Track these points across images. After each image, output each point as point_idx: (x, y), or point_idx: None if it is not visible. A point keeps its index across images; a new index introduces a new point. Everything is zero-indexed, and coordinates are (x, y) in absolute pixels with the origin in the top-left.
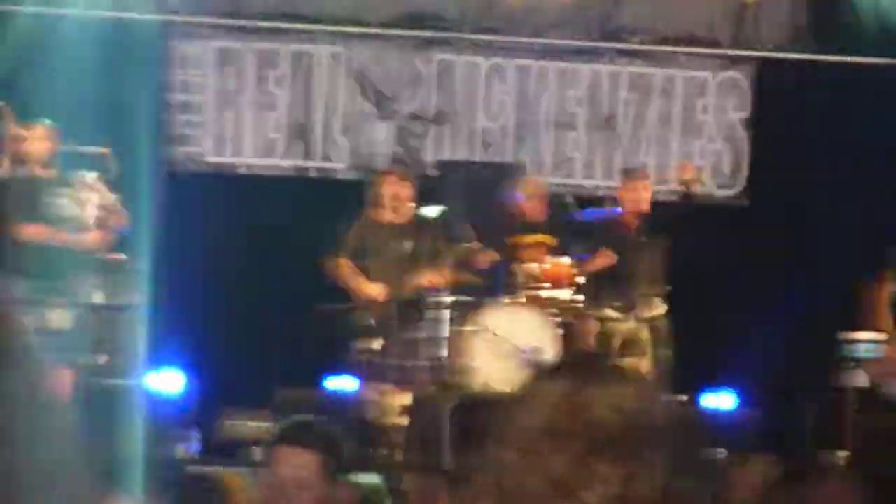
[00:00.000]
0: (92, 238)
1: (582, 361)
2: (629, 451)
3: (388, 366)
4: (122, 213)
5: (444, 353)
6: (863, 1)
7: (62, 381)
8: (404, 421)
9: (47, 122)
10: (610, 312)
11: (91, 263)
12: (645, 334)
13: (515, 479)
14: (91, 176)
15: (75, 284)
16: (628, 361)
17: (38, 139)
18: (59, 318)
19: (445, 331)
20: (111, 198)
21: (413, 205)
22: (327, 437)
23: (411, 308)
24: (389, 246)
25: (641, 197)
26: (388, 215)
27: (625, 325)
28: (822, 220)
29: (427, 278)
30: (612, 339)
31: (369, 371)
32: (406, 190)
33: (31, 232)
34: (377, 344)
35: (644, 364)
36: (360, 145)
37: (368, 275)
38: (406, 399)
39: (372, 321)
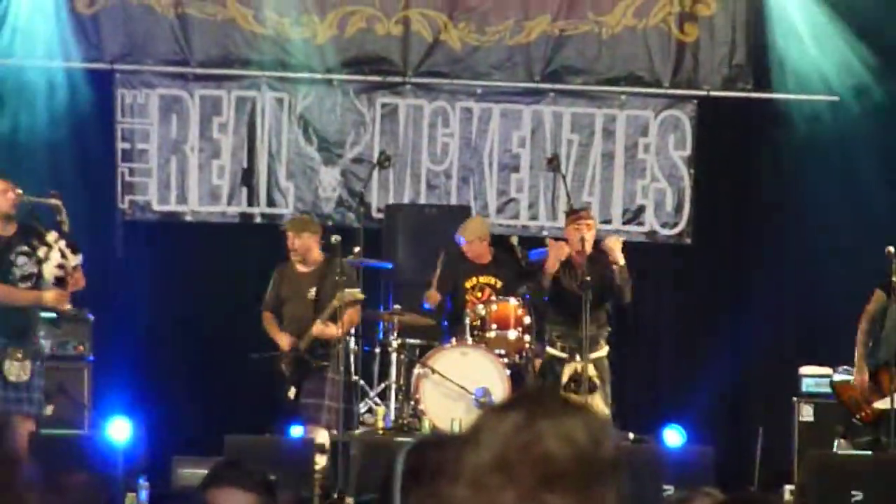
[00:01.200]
0: (50, 297)
1: (532, 395)
2: (581, 483)
3: (301, 408)
4: (81, 275)
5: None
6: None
7: (22, 433)
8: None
9: (3, 175)
10: (556, 352)
11: (47, 319)
12: (593, 372)
13: None
14: (53, 235)
15: (33, 339)
16: (576, 399)
17: None
18: (19, 370)
19: (347, 375)
20: (73, 258)
21: (319, 252)
22: (261, 478)
23: (313, 355)
24: (298, 294)
25: (586, 236)
26: (298, 266)
27: (572, 365)
28: (767, 254)
29: (315, 329)
30: (559, 378)
31: (290, 414)
32: (304, 240)
33: None
34: (291, 391)
35: (595, 401)
36: (305, 190)
37: (283, 322)
38: (319, 438)
39: (284, 368)
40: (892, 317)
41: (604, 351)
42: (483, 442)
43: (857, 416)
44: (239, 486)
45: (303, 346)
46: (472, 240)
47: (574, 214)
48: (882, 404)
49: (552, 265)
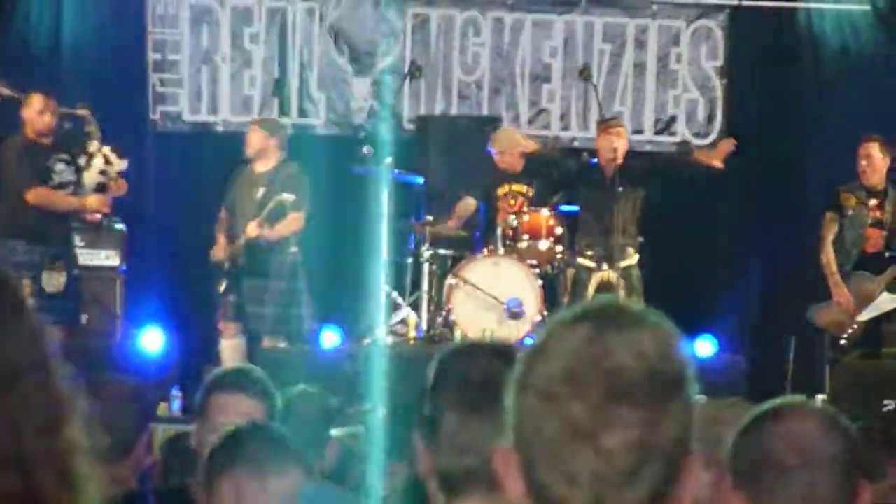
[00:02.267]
0: (92, 201)
1: (601, 308)
2: (650, 396)
3: (226, 305)
4: (123, 182)
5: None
6: None
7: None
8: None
9: (41, 93)
10: (585, 261)
11: (81, 228)
12: (619, 282)
13: (534, 424)
14: (94, 143)
15: (70, 249)
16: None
17: (35, 110)
18: (56, 281)
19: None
20: (118, 163)
21: (280, 154)
22: (264, 384)
23: (252, 256)
24: (246, 194)
25: (617, 146)
26: (257, 165)
27: (600, 274)
28: (800, 166)
29: (249, 229)
30: (586, 287)
31: (220, 312)
32: (257, 136)
33: (34, 195)
34: (222, 286)
35: None
36: (337, 101)
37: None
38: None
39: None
40: (848, 232)
41: (632, 260)
42: (552, 353)
43: (845, 336)
44: (244, 391)
45: (238, 244)
46: (503, 151)
47: (605, 124)
48: (868, 313)
49: None
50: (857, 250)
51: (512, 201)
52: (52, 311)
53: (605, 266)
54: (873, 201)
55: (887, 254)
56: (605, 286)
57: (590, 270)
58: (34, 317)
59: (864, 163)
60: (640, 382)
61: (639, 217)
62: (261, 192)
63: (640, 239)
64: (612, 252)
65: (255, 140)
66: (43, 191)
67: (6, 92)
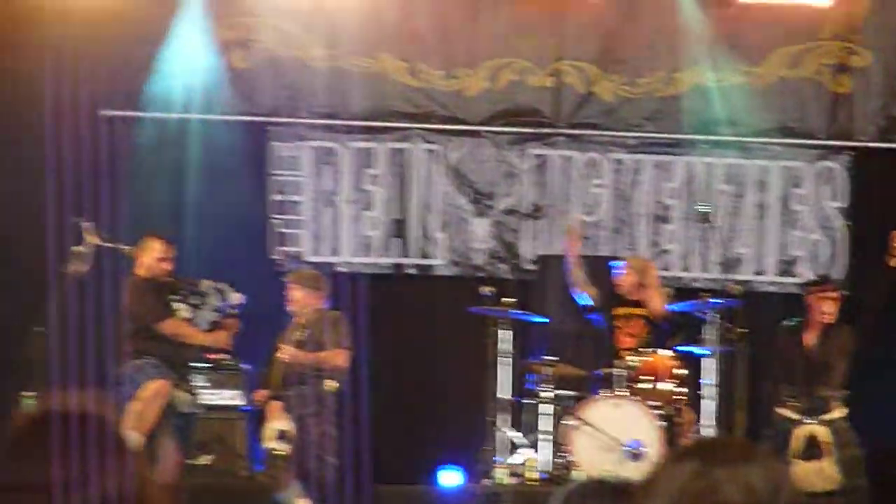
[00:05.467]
0: (218, 338)
1: (710, 443)
2: None
3: None
4: (236, 321)
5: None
6: None
7: (173, 458)
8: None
9: (160, 238)
10: (787, 412)
11: (205, 362)
12: (826, 436)
13: None
14: (206, 282)
15: (195, 377)
16: (811, 464)
17: (154, 257)
18: (188, 402)
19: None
20: (235, 297)
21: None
22: None
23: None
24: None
25: (828, 308)
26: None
27: (804, 427)
28: None
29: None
30: (791, 440)
31: None
32: (304, 297)
33: (169, 325)
34: None
35: (827, 466)
36: (457, 241)
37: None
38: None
39: None
40: None
41: (837, 413)
42: (660, 489)
43: None
44: None
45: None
46: (629, 270)
47: (818, 287)
48: None
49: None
50: None
51: (631, 322)
52: (178, 430)
53: (811, 418)
54: None
55: None
56: (809, 439)
57: (793, 422)
58: (135, 457)
59: None
60: None
61: (844, 369)
62: (302, 333)
63: (846, 391)
64: (816, 404)
65: (298, 296)
66: (175, 322)
67: (108, 245)
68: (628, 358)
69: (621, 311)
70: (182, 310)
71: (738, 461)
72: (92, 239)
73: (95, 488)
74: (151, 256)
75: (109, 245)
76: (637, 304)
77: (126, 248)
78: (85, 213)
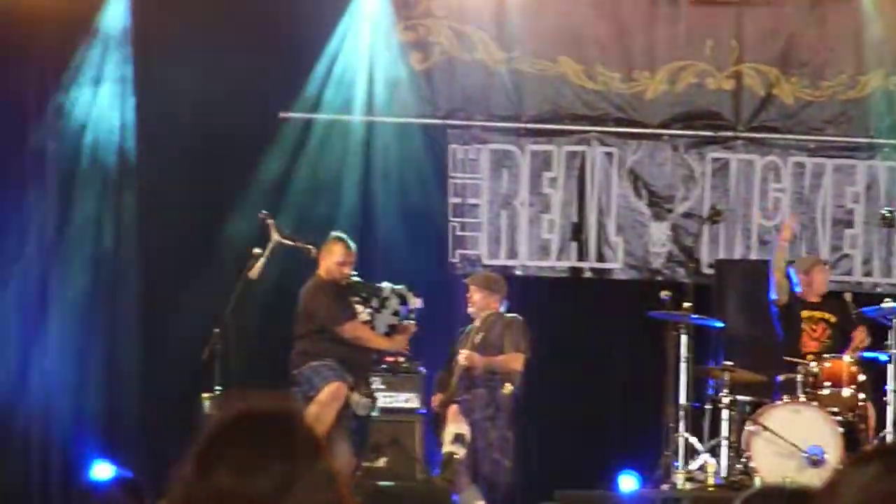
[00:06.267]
0: (398, 342)
1: (892, 447)
2: None
3: None
4: (414, 325)
5: None
6: None
7: (348, 460)
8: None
9: (346, 240)
10: None
11: (383, 365)
12: None
13: None
14: (387, 286)
15: (373, 379)
16: None
17: (336, 261)
18: (367, 406)
19: None
20: (414, 301)
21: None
22: None
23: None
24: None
25: None
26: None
27: None
28: None
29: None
30: None
31: None
32: (483, 299)
33: (350, 328)
34: None
35: None
36: (635, 245)
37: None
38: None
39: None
40: None
41: None
42: (842, 493)
43: None
44: None
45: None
46: (809, 269)
47: None
48: None
49: None
50: None
51: (814, 326)
52: (354, 432)
53: None
54: None
55: None
56: None
57: None
58: (330, 459)
59: None
60: None
61: None
62: (479, 337)
63: None
64: None
65: (477, 298)
66: (356, 325)
67: (290, 244)
68: (810, 363)
69: (806, 313)
70: (362, 313)
71: None
72: (276, 236)
73: (300, 497)
74: (333, 259)
75: (292, 244)
76: (821, 306)
77: (310, 248)
78: (269, 212)
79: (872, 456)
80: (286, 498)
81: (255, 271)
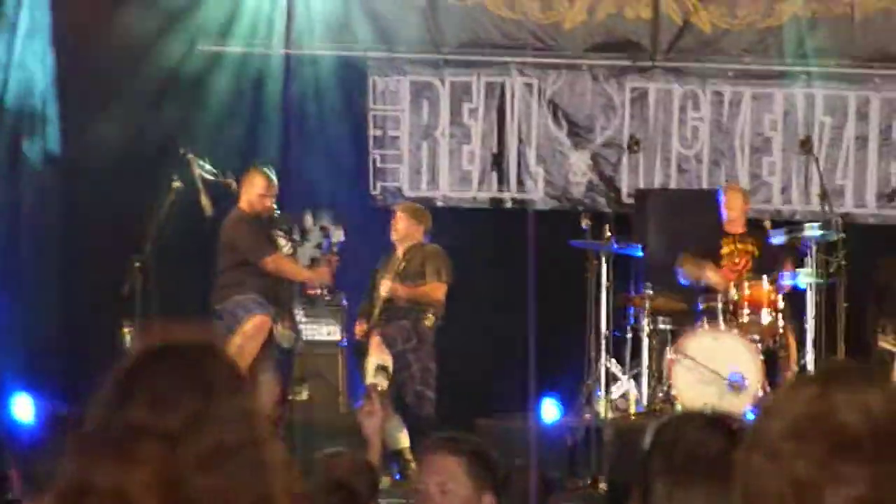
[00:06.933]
0: (321, 274)
1: (831, 369)
2: (876, 455)
3: None
4: (336, 257)
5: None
6: None
7: (273, 393)
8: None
9: (266, 170)
10: (887, 345)
11: (305, 297)
12: None
13: (760, 482)
14: (309, 218)
15: (295, 312)
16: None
17: (257, 192)
18: (290, 338)
19: None
20: (337, 234)
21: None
22: (476, 448)
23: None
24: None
25: None
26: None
27: None
28: None
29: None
30: (892, 372)
31: None
32: (409, 227)
33: (272, 261)
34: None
35: None
36: (555, 175)
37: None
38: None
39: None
40: None
41: None
42: (779, 412)
43: None
44: (453, 453)
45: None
46: (733, 195)
47: None
48: None
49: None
50: None
51: (737, 260)
52: (281, 365)
53: None
54: None
55: None
56: None
57: (893, 354)
58: (250, 394)
59: None
60: (865, 440)
61: None
62: (401, 266)
63: None
64: None
65: (403, 226)
66: (279, 258)
67: (210, 178)
68: (729, 291)
69: (729, 248)
70: (285, 246)
71: (857, 385)
72: (197, 171)
73: (213, 433)
74: (255, 191)
75: (212, 177)
76: (742, 238)
77: (230, 181)
78: (189, 145)
79: (811, 378)
80: (197, 434)
81: (206, 207)
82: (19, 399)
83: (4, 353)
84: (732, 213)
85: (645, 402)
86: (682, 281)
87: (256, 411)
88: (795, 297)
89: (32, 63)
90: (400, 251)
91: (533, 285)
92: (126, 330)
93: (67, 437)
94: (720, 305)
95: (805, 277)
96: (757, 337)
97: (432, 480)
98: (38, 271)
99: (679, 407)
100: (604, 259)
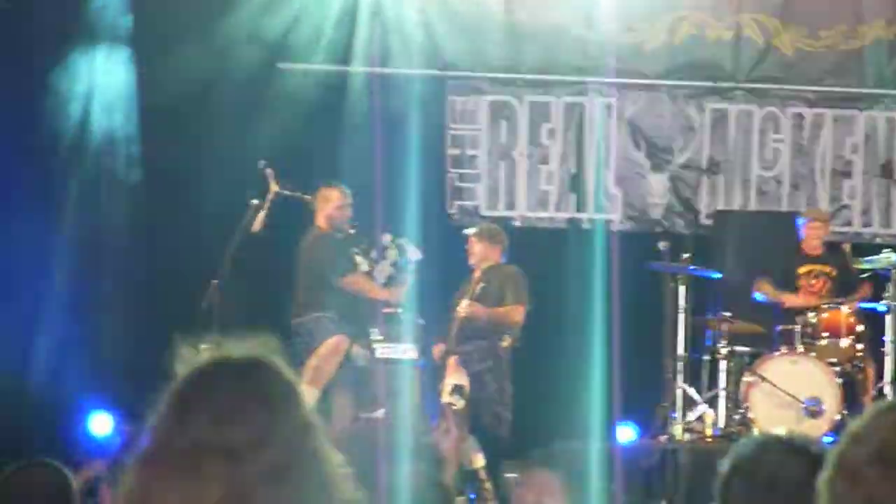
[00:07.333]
0: (396, 294)
1: None
2: None
3: None
4: (410, 276)
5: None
6: None
7: (347, 412)
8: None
9: (341, 186)
10: None
11: (381, 316)
12: None
13: None
14: (387, 236)
15: (371, 332)
16: None
17: (335, 205)
18: (365, 357)
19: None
20: (412, 256)
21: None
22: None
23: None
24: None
25: None
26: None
27: None
28: None
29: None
30: None
31: None
32: (484, 250)
33: (350, 281)
34: None
35: None
36: (633, 196)
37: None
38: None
39: None
40: None
41: None
42: (863, 437)
43: None
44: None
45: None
46: (814, 217)
47: None
48: None
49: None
50: None
51: (814, 281)
52: (355, 384)
53: None
54: None
55: None
56: None
57: None
58: (307, 408)
59: None
60: None
61: None
62: (479, 288)
63: None
64: None
65: (478, 249)
66: (357, 277)
67: (288, 193)
68: (808, 314)
69: (805, 268)
70: (362, 264)
71: None
72: (274, 187)
73: (276, 447)
74: (331, 205)
75: (290, 194)
76: (820, 260)
77: (307, 196)
78: (268, 161)
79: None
80: (261, 449)
81: (256, 224)
82: (99, 417)
83: (84, 371)
84: (811, 235)
85: (721, 425)
86: (760, 298)
87: (316, 425)
88: (874, 321)
89: (115, 82)
90: (478, 272)
91: (611, 307)
92: (204, 348)
93: (128, 453)
94: (798, 329)
95: (885, 301)
96: (835, 361)
97: (531, 494)
98: (119, 290)
99: (755, 431)
100: (681, 281)
